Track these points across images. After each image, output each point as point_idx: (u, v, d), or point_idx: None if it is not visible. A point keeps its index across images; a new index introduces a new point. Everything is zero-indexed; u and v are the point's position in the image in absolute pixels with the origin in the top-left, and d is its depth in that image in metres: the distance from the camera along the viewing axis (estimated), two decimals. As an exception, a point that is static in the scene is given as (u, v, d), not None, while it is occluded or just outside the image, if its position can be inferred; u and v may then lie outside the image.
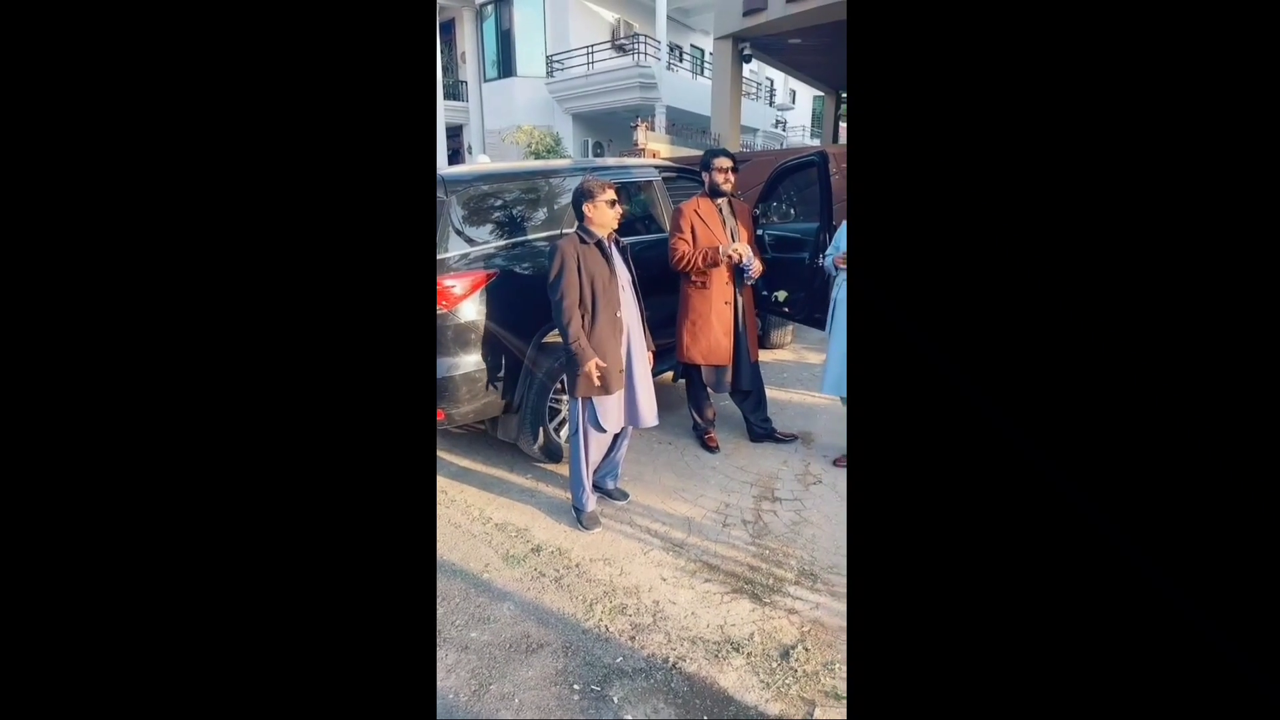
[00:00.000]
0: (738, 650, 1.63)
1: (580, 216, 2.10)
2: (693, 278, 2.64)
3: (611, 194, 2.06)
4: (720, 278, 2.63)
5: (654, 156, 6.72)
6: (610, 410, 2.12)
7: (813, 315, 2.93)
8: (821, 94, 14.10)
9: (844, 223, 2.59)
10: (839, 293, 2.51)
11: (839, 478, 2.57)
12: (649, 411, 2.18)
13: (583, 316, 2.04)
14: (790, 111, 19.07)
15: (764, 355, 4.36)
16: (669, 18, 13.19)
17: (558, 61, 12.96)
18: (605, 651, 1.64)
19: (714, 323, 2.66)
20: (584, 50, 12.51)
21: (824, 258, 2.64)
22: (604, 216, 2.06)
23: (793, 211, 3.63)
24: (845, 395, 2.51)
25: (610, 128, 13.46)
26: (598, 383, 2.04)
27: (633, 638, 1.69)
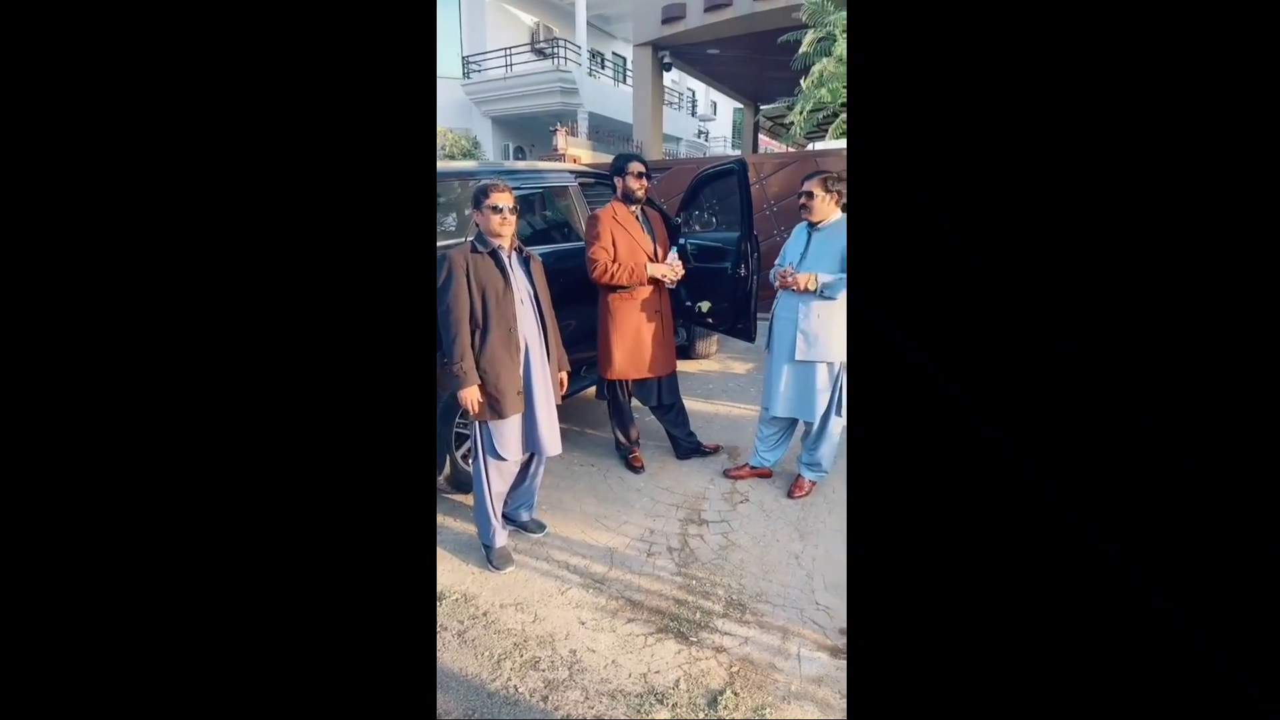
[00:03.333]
0: (662, 701, 1.48)
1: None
2: (616, 288, 2.49)
3: (499, 200, 1.84)
4: (645, 288, 2.51)
5: (575, 162, 6.55)
6: (507, 436, 1.92)
7: (736, 325, 2.86)
8: (741, 106, 14.45)
9: (794, 230, 2.48)
10: (778, 306, 2.40)
11: (766, 495, 2.49)
12: (551, 438, 1.99)
13: (473, 333, 1.83)
14: (711, 123, 19.47)
15: (690, 366, 4.29)
16: (589, 24, 13.09)
17: (474, 63, 12.54)
18: (513, 717, 1.44)
19: (644, 334, 2.52)
20: (502, 52, 12.17)
21: (775, 270, 2.49)
22: (489, 224, 1.85)
23: (714, 220, 3.57)
24: (773, 413, 2.44)
25: (531, 132, 13.17)
26: (476, 409, 1.84)
27: (545, 697, 1.50)
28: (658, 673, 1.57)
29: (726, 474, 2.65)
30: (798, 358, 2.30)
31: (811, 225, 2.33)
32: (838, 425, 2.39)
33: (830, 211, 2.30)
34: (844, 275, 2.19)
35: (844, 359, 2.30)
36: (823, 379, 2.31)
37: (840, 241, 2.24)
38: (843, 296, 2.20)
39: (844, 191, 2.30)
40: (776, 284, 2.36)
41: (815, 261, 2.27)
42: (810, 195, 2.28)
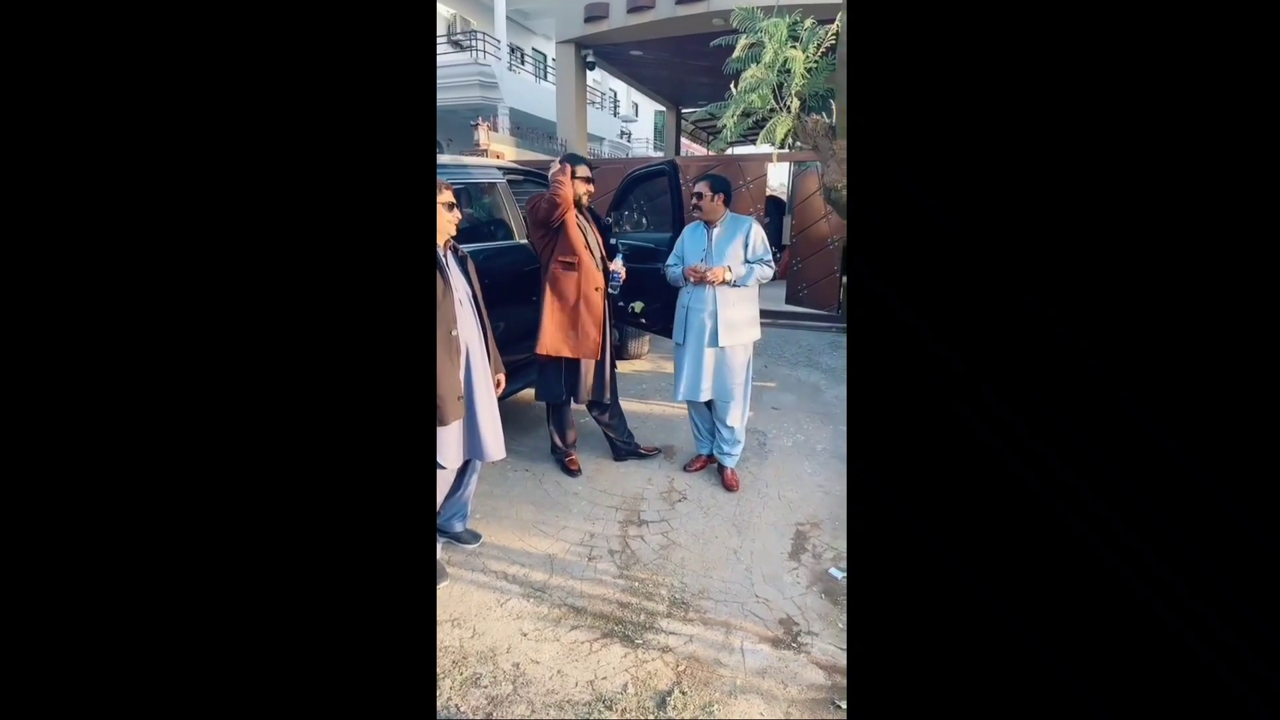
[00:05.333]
0: (610, 707, 1.46)
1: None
2: (559, 258, 2.42)
3: (449, 196, 1.78)
4: (589, 261, 2.45)
5: (499, 158, 6.37)
6: (448, 443, 1.83)
7: (668, 325, 2.88)
8: (662, 109, 14.63)
9: (684, 231, 2.63)
10: (689, 300, 2.51)
11: (703, 493, 2.53)
12: (494, 443, 1.92)
13: None
14: (634, 124, 19.58)
15: (623, 366, 4.28)
16: (508, 18, 12.79)
17: (387, 51, 11.88)
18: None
19: (583, 310, 2.45)
20: (417, 42, 11.62)
21: (667, 267, 2.61)
22: (439, 221, 1.78)
23: (644, 220, 3.59)
24: (697, 400, 2.53)
25: (450, 126, 12.67)
26: None
27: (490, 715, 1.44)
28: (605, 678, 1.55)
29: (686, 469, 2.72)
30: (722, 344, 2.44)
31: (709, 223, 2.50)
32: (747, 401, 2.58)
33: (720, 210, 2.48)
34: (753, 265, 2.43)
35: (756, 337, 2.54)
36: (741, 360, 2.50)
37: (738, 235, 2.45)
38: (753, 283, 2.46)
39: (729, 194, 2.52)
40: (687, 280, 2.48)
41: (720, 256, 2.45)
42: (700, 195, 2.46)
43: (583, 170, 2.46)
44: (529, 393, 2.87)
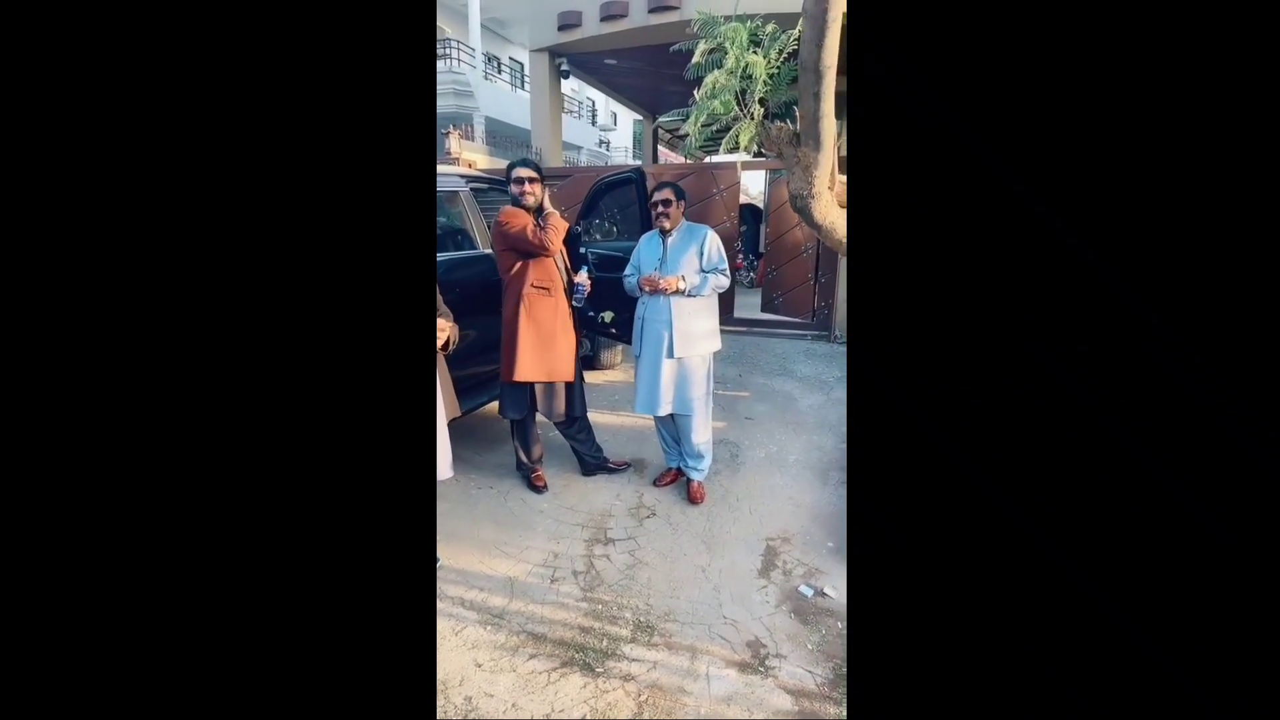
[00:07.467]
0: (568, 743, 1.38)
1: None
2: (534, 283, 2.35)
3: None
4: (561, 287, 2.42)
5: (470, 167, 6.28)
6: None
7: (638, 336, 2.83)
8: (640, 117, 14.65)
9: (640, 240, 2.58)
10: (645, 310, 2.46)
11: (672, 509, 2.46)
12: (440, 460, 1.84)
13: None
14: (612, 133, 19.61)
15: (595, 377, 4.21)
16: (484, 27, 12.75)
17: (360, 59, 11.74)
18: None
19: (559, 334, 2.41)
20: (390, 50, 11.50)
21: (624, 277, 2.56)
22: None
23: (614, 229, 3.54)
24: (657, 413, 2.47)
25: (425, 135, 12.56)
26: None
27: (437, 757, 1.35)
28: (562, 711, 1.47)
29: (656, 483, 2.64)
30: (678, 355, 2.38)
31: (664, 232, 2.44)
32: (709, 414, 2.51)
33: (679, 218, 2.44)
34: (708, 274, 2.37)
35: (715, 348, 2.47)
36: (701, 372, 2.43)
37: (693, 244, 2.39)
38: (709, 293, 2.38)
39: (687, 200, 2.48)
40: (644, 290, 2.42)
41: (675, 265, 2.40)
42: (667, 203, 2.39)
43: (523, 171, 2.36)
44: (493, 407, 2.79)
